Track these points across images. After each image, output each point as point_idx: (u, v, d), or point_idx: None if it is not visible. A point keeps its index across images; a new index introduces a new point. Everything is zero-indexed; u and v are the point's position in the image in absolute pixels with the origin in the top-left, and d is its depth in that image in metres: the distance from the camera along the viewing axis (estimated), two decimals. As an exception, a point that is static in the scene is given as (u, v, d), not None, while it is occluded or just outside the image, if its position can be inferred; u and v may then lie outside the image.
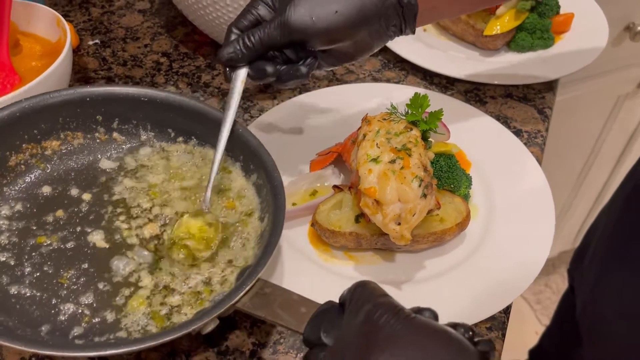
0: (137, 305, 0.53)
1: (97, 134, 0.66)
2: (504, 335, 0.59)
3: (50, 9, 0.77)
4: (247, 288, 0.48)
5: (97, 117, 0.65)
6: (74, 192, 0.62)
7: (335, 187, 0.66)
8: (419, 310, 0.40)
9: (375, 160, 0.58)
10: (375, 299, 0.40)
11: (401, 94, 0.79)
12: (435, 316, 0.40)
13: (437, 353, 0.36)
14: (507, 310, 0.61)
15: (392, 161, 0.57)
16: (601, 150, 1.60)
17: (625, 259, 0.75)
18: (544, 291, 2.06)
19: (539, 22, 0.90)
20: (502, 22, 0.88)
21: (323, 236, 0.63)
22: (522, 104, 0.84)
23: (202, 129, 0.64)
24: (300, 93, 0.84)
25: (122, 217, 0.60)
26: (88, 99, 0.63)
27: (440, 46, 0.92)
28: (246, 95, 0.84)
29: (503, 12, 0.88)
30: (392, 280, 0.61)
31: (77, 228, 0.59)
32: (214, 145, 0.62)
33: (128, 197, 0.62)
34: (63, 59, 0.70)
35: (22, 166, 0.62)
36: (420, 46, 0.91)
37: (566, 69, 0.86)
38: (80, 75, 0.86)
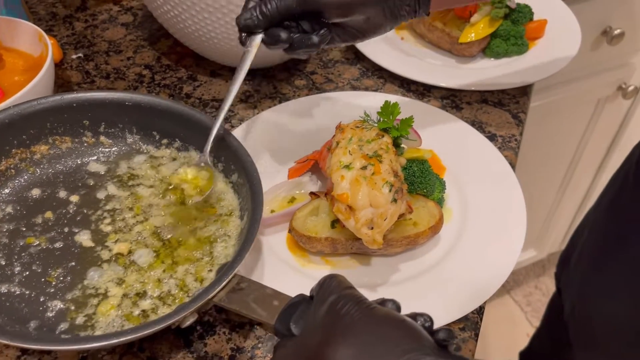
0: (106, 311, 0.54)
1: (84, 138, 0.69)
2: (477, 335, 0.60)
3: (33, 25, 0.79)
4: (224, 283, 0.50)
5: (84, 121, 0.68)
6: (62, 194, 0.65)
7: (312, 193, 0.67)
8: (382, 302, 0.42)
9: (347, 166, 0.60)
10: (340, 290, 0.42)
11: (378, 101, 0.81)
12: (397, 307, 0.42)
13: (392, 340, 0.37)
14: (480, 311, 0.62)
15: (364, 167, 0.59)
16: (584, 152, 1.62)
17: (611, 261, 0.77)
18: (534, 293, 2.08)
19: (513, 29, 0.92)
20: (477, 30, 0.90)
21: (300, 242, 0.64)
22: (497, 109, 0.86)
23: (186, 132, 0.67)
24: (280, 102, 0.86)
25: (107, 220, 0.63)
26: (75, 105, 0.66)
27: (417, 54, 0.94)
28: (227, 106, 0.85)
29: (477, 19, 0.91)
30: (368, 283, 0.63)
31: (65, 229, 0.62)
32: (197, 147, 0.68)
33: (114, 201, 0.65)
34: (44, 73, 0.71)
35: (12, 170, 0.65)
36: (398, 54, 0.93)
37: (540, 74, 0.88)
38: (63, 88, 0.88)
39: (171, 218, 0.63)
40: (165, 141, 0.69)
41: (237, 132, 0.78)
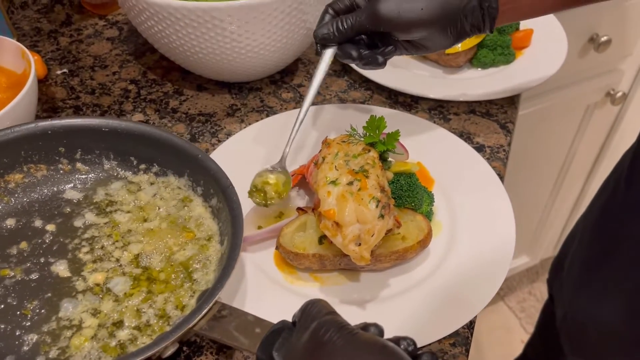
0: (79, 344, 0.53)
1: (60, 165, 0.67)
2: (467, 350, 0.60)
3: (15, 41, 0.78)
4: (205, 311, 0.49)
5: (60, 148, 0.66)
6: (38, 223, 0.63)
7: (299, 209, 0.66)
8: (365, 327, 0.41)
9: (334, 182, 0.59)
10: (321, 316, 0.41)
11: (366, 114, 0.80)
12: (380, 332, 0.41)
13: None
14: (470, 326, 0.62)
15: (350, 183, 0.58)
16: (575, 158, 1.63)
17: (603, 267, 0.76)
18: (528, 299, 2.08)
19: (500, 39, 0.92)
20: (471, 37, 0.89)
21: (288, 258, 0.63)
22: (484, 120, 0.86)
23: (163, 156, 0.66)
24: (267, 115, 0.85)
25: (85, 249, 0.61)
26: (50, 132, 0.64)
27: (404, 65, 0.94)
28: (213, 120, 0.85)
29: (464, 30, 0.90)
30: (357, 299, 0.62)
31: (40, 259, 0.60)
32: (175, 172, 0.67)
33: (92, 229, 0.63)
34: (27, 91, 0.71)
35: None
36: (385, 66, 0.92)
37: (528, 84, 0.88)
38: (48, 105, 0.87)
39: (150, 245, 0.61)
40: (143, 166, 0.68)
41: (224, 146, 0.77)
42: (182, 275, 0.59)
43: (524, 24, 0.96)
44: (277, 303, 0.61)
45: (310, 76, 0.93)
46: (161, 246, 0.61)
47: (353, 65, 0.91)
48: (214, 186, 0.62)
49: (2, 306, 0.55)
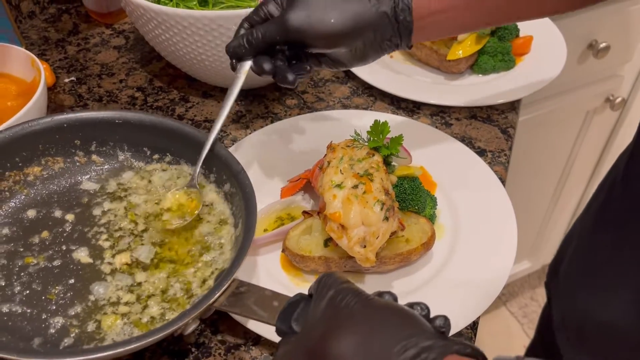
0: (111, 323, 0.55)
1: (76, 158, 0.70)
2: (471, 350, 0.61)
3: (25, 50, 0.80)
4: (223, 288, 0.52)
5: (76, 141, 0.69)
6: (58, 213, 0.66)
7: (304, 212, 0.68)
8: (380, 294, 0.43)
9: (339, 186, 0.60)
10: (337, 285, 0.43)
11: (369, 120, 0.82)
12: (394, 299, 0.43)
13: (392, 327, 0.38)
14: (474, 326, 0.63)
15: (355, 186, 0.59)
16: (575, 163, 1.64)
17: (600, 269, 0.77)
18: (530, 304, 2.09)
19: (500, 46, 0.94)
20: (464, 47, 0.91)
21: (294, 261, 0.65)
22: (486, 125, 0.87)
23: (176, 146, 0.69)
24: (271, 122, 0.87)
25: (104, 236, 0.64)
26: (65, 125, 0.67)
27: (406, 72, 0.96)
28: (219, 126, 0.86)
29: (464, 37, 0.92)
30: (362, 301, 0.63)
31: (62, 247, 0.62)
32: (187, 160, 0.69)
33: (109, 214, 0.66)
34: (37, 98, 0.72)
35: (7, 193, 0.66)
36: (387, 72, 0.94)
37: (528, 90, 0.90)
38: (56, 112, 0.88)
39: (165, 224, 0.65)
40: (156, 156, 0.70)
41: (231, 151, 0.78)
42: (200, 250, 0.62)
43: (524, 31, 0.98)
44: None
45: (314, 83, 0.95)
46: (176, 229, 0.64)
47: (355, 72, 0.92)
48: (227, 172, 0.64)
49: (28, 292, 0.58)
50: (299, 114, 0.88)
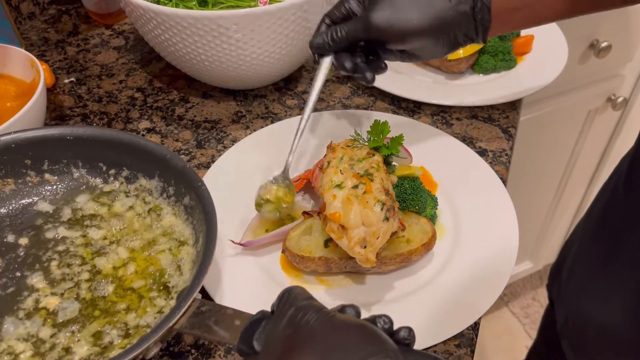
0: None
1: (28, 178, 0.66)
2: (472, 351, 0.60)
3: (24, 51, 0.80)
4: (183, 310, 0.49)
5: (26, 161, 0.65)
6: (11, 238, 0.63)
7: (304, 213, 0.67)
8: (342, 309, 0.42)
9: (339, 186, 0.60)
10: (298, 302, 0.42)
11: (369, 119, 0.81)
12: (357, 313, 0.42)
13: (351, 345, 0.37)
14: (475, 327, 0.62)
15: (355, 186, 0.59)
16: (577, 163, 1.64)
17: (604, 271, 0.77)
18: (532, 305, 2.08)
19: (501, 45, 0.93)
20: (465, 47, 0.91)
21: (294, 262, 0.64)
22: (487, 124, 0.87)
23: (132, 160, 0.66)
24: (272, 122, 0.87)
25: (55, 263, 0.61)
26: (13, 145, 0.64)
27: (407, 71, 0.95)
28: (219, 127, 0.86)
29: (465, 36, 0.92)
30: (363, 302, 0.63)
31: (16, 273, 0.59)
32: (145, 175, 0.66)
33: (65, 241, 0.63)
34: (37, 99, 0.72)
35: None
36: (388, 72, 0.93)
37: (529, 89, 0.89)
38: (56, 113, 0.88)
39: (120, 260, 0.61)
40: (112, 171, 0.67)
41: (230, 152, 0.78)
42: (156, 286, 0.59)
43: (525, 31, 0.97)
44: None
45: (314, 83, 0.94)
46: (133, 260, 0.61)
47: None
48: (185, 185, 0.62)
49: None
50: (299, 115, 0.88)
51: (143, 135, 0.85)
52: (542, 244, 1.87)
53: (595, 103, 1.49)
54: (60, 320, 0.56)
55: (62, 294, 0.58)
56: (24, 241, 0.62)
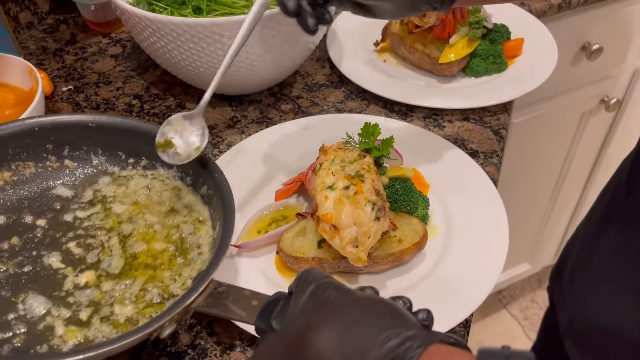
0: (71, 334, 0.54)
1: (48, 163, 0.68)
2: (464, 348, 0.61)
3: (23, 60, 0.81)
4: (200, 289, 0.50)
5: (47, 145, 0.67)
6: (29, 219, 0.64)
7: (298, 214, 0.69)
8: (362, 288, 0.43)
9: (331, 187, 0.61)
10: (318, 280, 0.43)
11: (362, 122, 0.83)
12: (376, 292, 0.43)
13: (374, 319, 0.38)
14: (466, 325, 0.63)
15: (346, 187, 0.60)
16: (572, 165, 1.65)
17: (605, 274, 0.78)
18: (531, 307, 2.09)
19: (491, 48, 0.95)
20: (456, 50, 0.92)
21: (288, 262, 0.65)
22: (478, 126, 0.88)
23: (152, 149, 0.66)
24: (267, 127, 0.88)
25: (73, 243, 0.62)
26: (36, 129, 0.65)
27: (399, 75, 0.97)
28: (215, 132, 0.87)
29: (456, 40, 0.93)
30: (356, 301, 0.64)
31: (33, 252, 0.61)
32: (164, 165, 0.67)
33: (84, 222, 0.64)
34: (35, 107, 0.73)
35: None
36: (381, 77, 0.95)
37: (520, 91, 0.91)
38: (54, 120, 0.89)
39: (143, 232, 0.63)
40: (131, 160, 0.69)
41: (225, 157, 0.80)
42: (179, 250, 0.61)
43: (515, 34, 0.99)
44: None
45: (308, 88, 0.96)
46: (154, 230, 0.63)
47: (349, 77, 0.93)
48: (203, 175, 0.63)
49: None
50: (293, 119, 0.89)
51: (140, 141, 0.86)
52: (540, 246, 1.88)
53: (588, 105, 1.50)
54: (104, 275, 0.59)
55: (97, 262, 0.60)
56: (42, 222, 0.64)
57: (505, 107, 0.91)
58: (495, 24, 0.96)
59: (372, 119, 0.85)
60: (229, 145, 0.85)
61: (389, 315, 0.39)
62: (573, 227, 1.83)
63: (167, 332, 0.49)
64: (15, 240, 0.62)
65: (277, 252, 0.66)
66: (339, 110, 0.92)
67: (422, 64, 0.97)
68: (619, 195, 0.76)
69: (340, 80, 0.97)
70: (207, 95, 0.64)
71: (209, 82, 0.86)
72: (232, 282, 0.65)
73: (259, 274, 0.67)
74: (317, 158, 0.68)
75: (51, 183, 0.67)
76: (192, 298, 0.50)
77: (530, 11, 1.11)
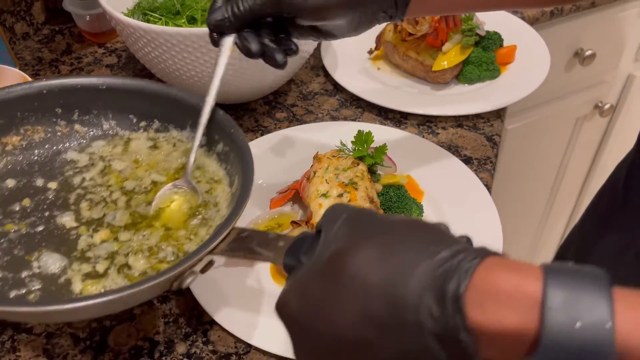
0: (90, 287, 0.54)
1: (57, 127, 0.66)
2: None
3: (18, 70, 0.82)
4: (224, 235, 0.48)
5: (57, 109, 0.65)
6: (40, 182, 0.63)
7: (293, 222, 0.69)
8: None
9: (325, 195, 0.62)
10: (349, 209, 0.39)
11: (356, 130, 0.83)
12: None
13: (420, 234, 0.35)
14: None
15: (340, 195, 0.61)
16: (567, 170, 1.66)
17: None
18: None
19: (484, 55, 0.96)
20: (449, 58, 0.93)
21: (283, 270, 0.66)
22: (472, 133, 0.89)
23: (163, 111, 0.65)
24: (262, 135, 0.88)
25: (86, 204, 0.61)
26: (45, 92, 0.63)
27: (393, 83, 0.98)
28: (210, 140, 0.88)
29: (449, 48, 0.94)
30: (351, 308, 0.64)
31: (45, 213, 0.60)
32: (176, 126, 0.66)
33: (94, 184, 0.64)
34: (30, 117, 0.73)
35: None
36: (375, 84, 0.96)
37: (513, 97, 0.91)
38: (50, 130, 0.90)
39: (154, 191, 0.62)
40: (143, 124, 0.67)
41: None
42: (195, 209, 0.59)
43: (508, 41, 1.00)
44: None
45: (303, 96, 0.97)
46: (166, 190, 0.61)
47: (343, 85, 0.94)
48: (219, 132, 0.61)
49: (8, 257, 0.55)
50: (288, 127, 0.90)
51: (135, 150, 0.86)
52: (536, 253, 1.88)
53: (583, 110, 1.51)
54: (116, 228, 0.58)
55: (111, 220, 0.59)
56: (53, 185, 0.63)
57: (499, 114, 0.92)
58: (487, 32, 0.97)
59: (366, 126, 0.86)
60: (224, 154, 0.85)
61: (434, 232, 0.35)
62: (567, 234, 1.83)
63: (188, 281, 0.47)
64: (26, 202, 0.61)
65: (272, 260, 0.66)
66: (334, 118, 0.92)
67: (415, 71, 0.97)
68: (617, 199, 0.76)
69: (335, 88, 0.98)
70: (192, 159, 0.61)
71: (203, 91, 0.86)
72: (226, 291, 0.65)
73: (253, 282, 0.67)
74: (312, 166, 0.68)
75: (61, 147, 0.66)
76: (216, 243, 0.48)
77: (523, 18, 1.12)
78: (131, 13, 0.85)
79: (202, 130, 0.60)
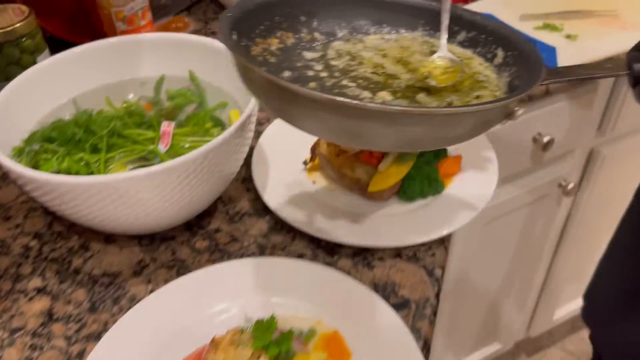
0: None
1: (302, 35, 0.72)
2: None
3: None
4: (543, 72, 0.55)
5: (301, 17, 0.72)
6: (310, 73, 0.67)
7: (192, 412, 0.59)
8: None
9: (217, 400, 0.52)
10: None
11: (281, 269, 0.75)
12: None
13: None
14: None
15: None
16: (530, 248, 1.59)
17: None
18: (503, 386, 1.99)
19: (425, 170, 0.88)
20: (385, 178, 0.85)
21: None
22: (411, 265, 0.80)
23: (392, 16, 0.73)
24: (177, 273, 0.79)
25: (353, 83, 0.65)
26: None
27: (329, 200, 0.88)
28: (117, 282, 0.78)
29: (386, 165, 0.86)
30: None
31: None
32: (407, 27, 0.74)
33: (362, 67, 0.68)
34: None
35: (260, 58, 0.68)
36: (308, 205, 0.87)
37: (458, 220, 0.83)
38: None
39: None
40: (372, 29, 0.74)
41: (127, 318, 0.70)
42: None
43: (452, 149, 0.92)
44: None
45: (230, 217, 0.88)
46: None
47: (272, 208, 0.85)
48: (498, 40, 0.67)
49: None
50: (207, 261, 0.81)
51: (31, 297, 0.76)
52: (509, 323, 1.80)
53: (545, 190, 1.45)
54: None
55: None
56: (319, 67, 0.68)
57: (442, 240, 0.84)
58: (429, 143, 0.90)
59: (291, 264, 0.77)
60: (132, 299, 0.76)
61: None
62: (543, 297, 1.77)
63: (519, 112, 0.51)
64: (312, 85, 0.64)
65: None
66: (261, 247, 0.83)
67: (352, 189, 0.89)
68: None
69: (265, 207, 0.89)
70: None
71: (115, 228, 0.77)
72: None
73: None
74: (207, 350, 0.59)
75: (303, 51, 0.71)
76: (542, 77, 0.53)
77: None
78: (17, 152, 0.76)
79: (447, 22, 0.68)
